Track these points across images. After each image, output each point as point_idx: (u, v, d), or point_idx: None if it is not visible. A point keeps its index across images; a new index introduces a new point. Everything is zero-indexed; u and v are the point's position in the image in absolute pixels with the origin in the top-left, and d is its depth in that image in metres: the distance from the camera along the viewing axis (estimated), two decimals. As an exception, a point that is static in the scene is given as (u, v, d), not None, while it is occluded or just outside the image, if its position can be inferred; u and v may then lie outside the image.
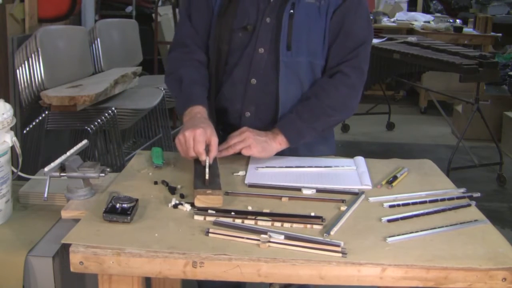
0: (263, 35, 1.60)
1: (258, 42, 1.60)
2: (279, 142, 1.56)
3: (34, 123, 2.99)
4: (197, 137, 1.43)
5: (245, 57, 1.62)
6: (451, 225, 1.23)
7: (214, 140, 1.46)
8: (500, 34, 6.05)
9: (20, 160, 1.43)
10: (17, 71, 2.96)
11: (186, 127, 1.48)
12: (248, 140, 1.52)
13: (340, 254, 1.09)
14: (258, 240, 1.12)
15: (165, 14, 5.25)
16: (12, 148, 1.39)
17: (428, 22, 6.32)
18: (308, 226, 1.20)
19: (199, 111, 1.55)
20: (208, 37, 1.67)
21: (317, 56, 1.62)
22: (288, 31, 1.58)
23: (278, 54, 1.59)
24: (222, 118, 1.69)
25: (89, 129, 2.89)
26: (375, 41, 4.65)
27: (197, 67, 1.65)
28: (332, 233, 1.17)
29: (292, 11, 1.57)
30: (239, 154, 1.66)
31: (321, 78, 1.64)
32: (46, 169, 1.32)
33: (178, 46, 1.69)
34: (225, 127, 1.69)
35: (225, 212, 1.25)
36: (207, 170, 1.39)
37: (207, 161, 1.42)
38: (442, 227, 1.22)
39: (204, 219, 1.22)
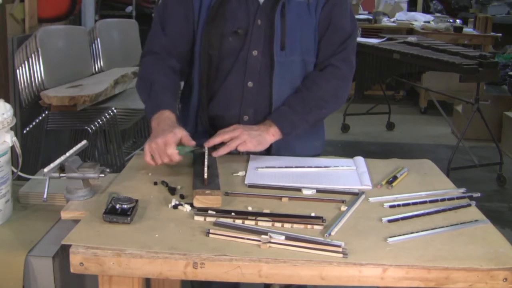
0: (256, 37, 1.60)
1: (251, 45, 1.60)
2: (272, 134, 1.57)
3: (34, 123, 2.99)
4: (169, 140, 1.42)
5: (239, 61, 1.61)
6: (451, 225, 1.23)
7: (184, 136, 1.46)
8: (500, 34, 6.06)
9: (20, 160, 1.43)
10: (17, 71, 2.96)
11: (155, 133, 1.47)
12: (242, 136, 1.52)
13: (341, 255, 1.09)
14: (259, 240, 1.12)
15: (165, 14, 5.24)
16: (12, 148, 1.39)
17: (428, 22, 6.32)
18: (309, 226, 1.20)
19: (168, 116, 1.52)
20: (183, 45, 1.65)
21: (309, 53, 1.64)
22: (282, 31, 1.58)
23: (272, 55, 1.59)
24: (218, 124, 1.69)
25: (89, 129, 2.89)
26: (375, 41, 4.65)
27: (167, 74, 1.63)
28: (332, 233, 1.17)
29: (283, 11, 1.58)
30: (238, 153, 1.66)
31: (312, 72, 1.66)
32: (45, 169, 1.32)
33: (149, 54, 1.68)
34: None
35: (226, 213, 1.24)
36: (205, 168, 1.39)
37: (206, 160, 1.44)
38: (443, 227, 1.22)
39: (205, 219, 1.22)
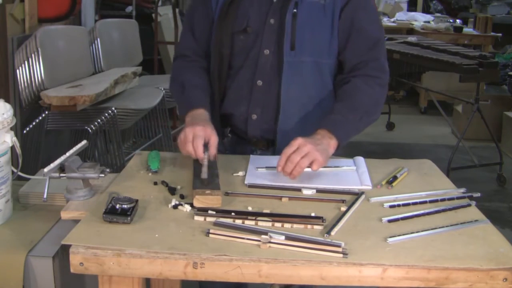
0: (268, 36, 1.59)
1: (263, 43, 1.59)
2: (333, 147, 1.49)
3: (34, 123, 2.99)
4: (197, 132, 1.45)
5: (250, 59, 1.61)
6: (451, 225, 1.23)
7: (213, 138, 1.47)
8: (500, 34, 6.06)
9: (20, 160, 1.43)
10: (17, 71, 2.96)
11: (186, 125, 1.50)
12: (312, 154, 1.39)
13: (341, 255, 1.09)
14: (259, 240, 1.12)
15: (165, 14, 5.24)
16: (12, 148, 1.39)
17: (428, 22, 6.32)
18: (309, 226, 1.20)
19: (200, 113, 1.56)
20: (209, 45, 1.67)
21: (323, 55, 1.61)
22: (292, 31, 1.56)
23: (282, 54, 1.58)
24: (228, 122, 1.69)
25: (89, 129, 2.89)
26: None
27: (198, 73, 1.66)
28: (332, 233, 1.17)
29: (295, 10, 1.56)
30: (237, 154, 1.66)
31: (353, 80, 1.59)
32: (45, 169, 1.32)
33: (180, 56, 1.72)
34: (236, 133, 1.69)
35: (226, 213, 1.24)
36: (204, 168, 1.40)
37: (206, 158, 1.43)
38: (443, 227, 1.22)
39: (205, 219, 1.22)
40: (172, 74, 1.72)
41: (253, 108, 1.63)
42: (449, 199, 1.38)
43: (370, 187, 1.44)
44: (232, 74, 1.64)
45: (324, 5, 1.58)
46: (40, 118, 2.98)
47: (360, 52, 1.60)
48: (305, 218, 1.23)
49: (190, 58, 1.69)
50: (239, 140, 1.71)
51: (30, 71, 2.97)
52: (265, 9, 1.59)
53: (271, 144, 1.68)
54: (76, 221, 1.23)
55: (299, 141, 1.41)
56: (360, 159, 1.62)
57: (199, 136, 1.45)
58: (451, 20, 6.44)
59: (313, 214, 1.26)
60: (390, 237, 1.16)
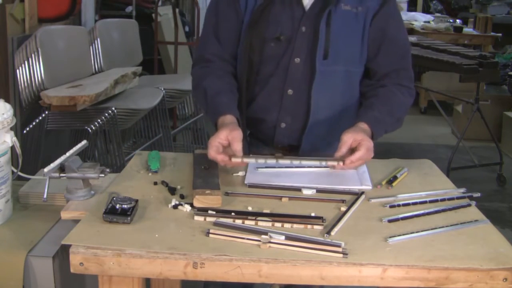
0: (300, 44, 1.57)
1: (294, 52, 1.57)
2: None
3: (34, 123, 2.99)
4: (211, 145, 1.41)
5: (281, 67, 1.59)
6: (451, 225, 1.23)
7: (235, 135, 1.41)
8: (500, 34, 6.06)
9: (20, 160, 1.43)
10: (17, 71, 2.95)
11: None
12: (367, 157, 1.46)
13: (341, 255, 1.09)
14: (259, 240, 1.12)
15: (165, 14, 5.24)
16: (12, 148, 1.39)
17: (428, 22, 6.33)
18: (309, 226, 1.20)
19: (227, 120, 1.50)
20: (236, 49, 1.63)
21: (354, 63, 1.61)
22: (326, 39, 1.54)
23: (314, 63, 1.56)
24: (255, 127, 1.67)
25: (89, 129, 2.89)
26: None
27: (220, 76, 1.61)
28: (332, 233, 1.17)
29: (328, 19, 1.54)
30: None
31: (389, 86, 1.60)
32: (45, 169, 1.32)
33: (200, 61, 1.66)
34: (258, 136, 1.68)
35: (226, 213, 1.25)
36: (243, 160, 1.42)
37: (238, 159, 1.42)
38: (443, 227, 1.22)
39: (205, 219, 1.22)
40: (193, 81, 1.66)
41: (283, 116, 1.62)
42: (449, 199, 1.38)
43: (370, 187, 1.44)
44: (261, 80, 1.62)
45: (356, 13, 1.57)
46: (40, 118, 2.97)
47: (392, 60, 1.61)
48: (305, 218, 1.23)
49: (213, 64, 1.63)
50: (258, 142, 1.71)
51: (30, 71, 2.96)
52: (297, 17, 1.56)
53: (295, 150, 1.67)
54: (76, 221, 1.23)
55: (366, 145, 1.44)
56: (360, 159, 1.62)
57: (213, 146, 1.41)
58: (451, 20, 6.44)
59: (313, 214, 1.26)
60: (390, 237, 1.16)
